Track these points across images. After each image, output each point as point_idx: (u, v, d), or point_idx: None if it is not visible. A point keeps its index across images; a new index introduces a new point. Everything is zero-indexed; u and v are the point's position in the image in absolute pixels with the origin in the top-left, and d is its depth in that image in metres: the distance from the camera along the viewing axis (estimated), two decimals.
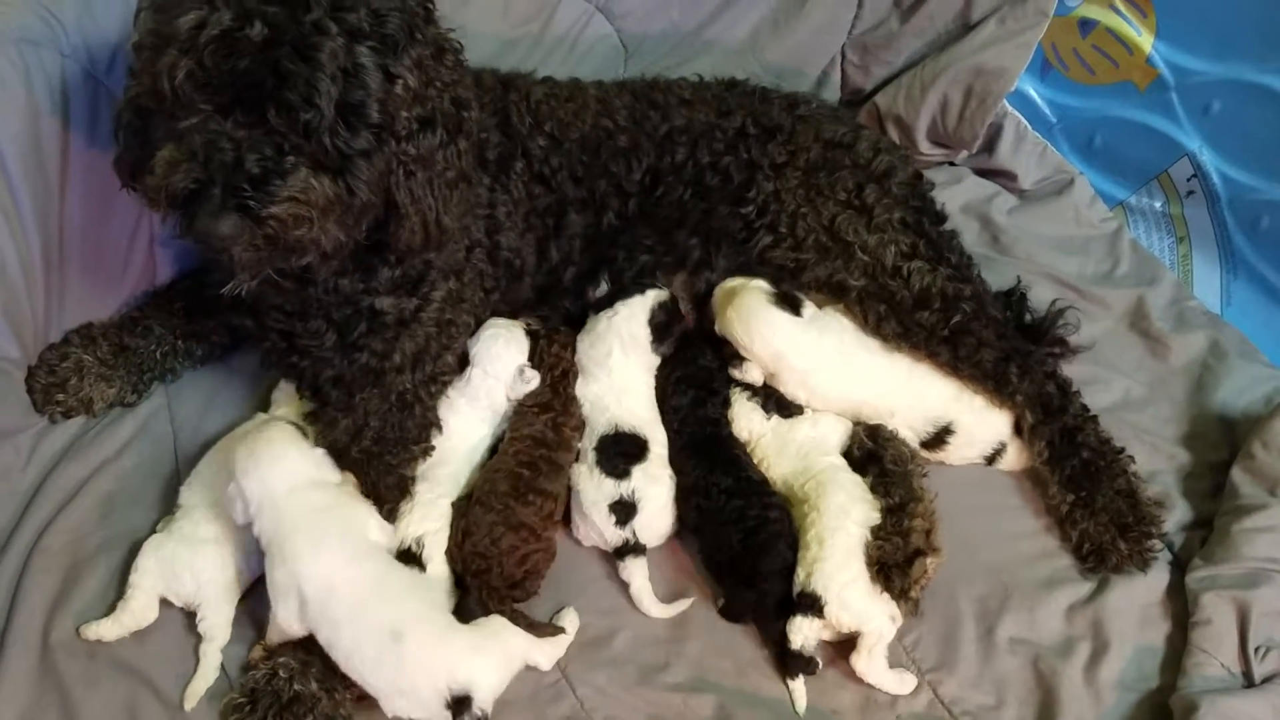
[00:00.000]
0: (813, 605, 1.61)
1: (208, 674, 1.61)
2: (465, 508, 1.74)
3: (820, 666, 1.64)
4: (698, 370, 1.93)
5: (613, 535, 1.73)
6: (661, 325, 1.93)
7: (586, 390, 1.88)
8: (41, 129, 1.86)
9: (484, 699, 1.52)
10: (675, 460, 1.83)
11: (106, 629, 1.63)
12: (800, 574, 1.64)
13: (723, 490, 1.74)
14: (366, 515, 1.66)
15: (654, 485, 1.77)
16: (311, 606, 1.54)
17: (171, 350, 1.98)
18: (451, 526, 1.73)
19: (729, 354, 1.92)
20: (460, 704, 1.51)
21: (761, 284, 1.93)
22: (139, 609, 1.64)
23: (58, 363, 1.92)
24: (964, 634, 1.69)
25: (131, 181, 1.61)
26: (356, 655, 1.53)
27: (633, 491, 1.74)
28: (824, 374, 1.89)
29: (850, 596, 1.61)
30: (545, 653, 1.63)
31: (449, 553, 1.70)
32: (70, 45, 1.87)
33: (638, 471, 1.77)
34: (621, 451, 1.79)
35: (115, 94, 1.89)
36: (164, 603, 1.67)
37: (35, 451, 1.87)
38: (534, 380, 1.85)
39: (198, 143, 1.40)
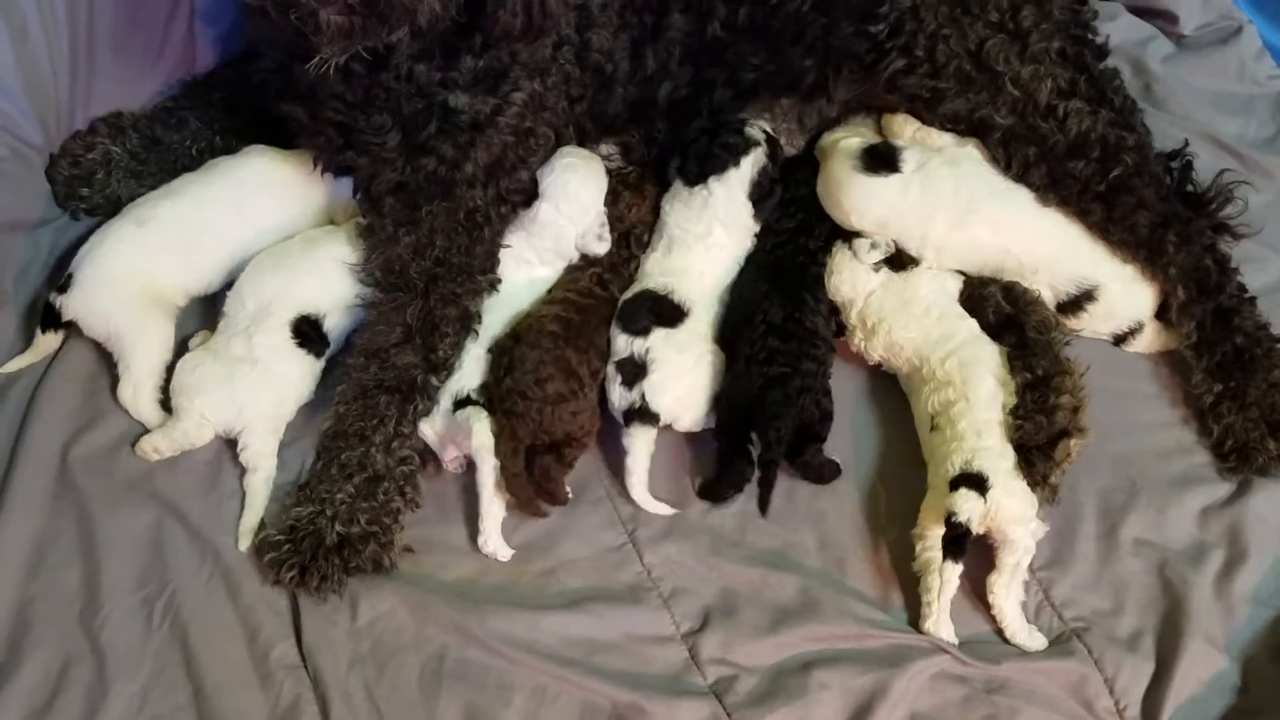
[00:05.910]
0: (978, 485, 1.48)
1: (256, 508, 1.52)
2: (508, 345, 1.62)
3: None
4: (811, 194, 1.79)
5: (619, 397, 1.59)
6: (762, 195, 1.76)
7: (668, 261, 1.70)
8: None
9: None
10: (746, 280, 1.71)
11: (162, 443, 1.54)
12: (956, 460, 1.52)
13: (766, 321, 1.63)
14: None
15: (677, 353, 1.61)
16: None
17: (208, 146, 1.85)
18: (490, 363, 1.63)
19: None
20: None
21: (849, 143, 1.77)
22: (192, 428, 1.55)
23: (83, 153, 1.80)
24: (1083, 530, 1.58)
25: None
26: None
27: (646, 351, 1.60)
28: (945, 230, 1.71)
29: (1016, 485, 1.51)
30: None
31: (487, 385, 1.59)
32: None
33: (659, 334, 1.62)
34: (653, 310, 1.64)
35: None
36: None
37: (55, 249, 1.77)
38: (606, 243, 1.70)
39: None
